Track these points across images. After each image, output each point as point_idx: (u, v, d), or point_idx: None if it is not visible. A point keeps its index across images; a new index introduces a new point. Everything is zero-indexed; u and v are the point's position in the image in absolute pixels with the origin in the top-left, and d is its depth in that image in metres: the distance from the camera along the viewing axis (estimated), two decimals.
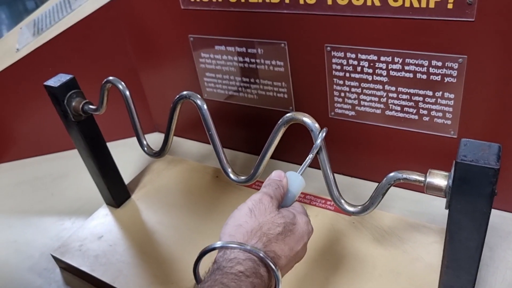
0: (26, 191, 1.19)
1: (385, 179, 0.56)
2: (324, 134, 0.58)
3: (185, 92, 0.69)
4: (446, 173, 0.53)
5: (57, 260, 0.91)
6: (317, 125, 0.59)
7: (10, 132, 1.27)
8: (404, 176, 0.54)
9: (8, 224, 1.08)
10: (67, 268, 0.91)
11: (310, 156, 0.59)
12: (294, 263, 0.55)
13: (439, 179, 0.52)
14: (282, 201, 0.57)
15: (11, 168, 1.29)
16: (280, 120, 0.61)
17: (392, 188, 0.98)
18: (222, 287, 0.45)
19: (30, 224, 1.07)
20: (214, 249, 0.50)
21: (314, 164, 1.03)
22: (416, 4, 0.72)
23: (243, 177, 0.67)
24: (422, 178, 0.53)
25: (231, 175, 0.68)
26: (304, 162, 0.60)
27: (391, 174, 0.56)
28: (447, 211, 0.91)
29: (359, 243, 0.81)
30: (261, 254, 0.48)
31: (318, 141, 0.58)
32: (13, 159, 1.30)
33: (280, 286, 0.50)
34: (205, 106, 0.67)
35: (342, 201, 0.59)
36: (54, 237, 1.01)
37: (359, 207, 0.59)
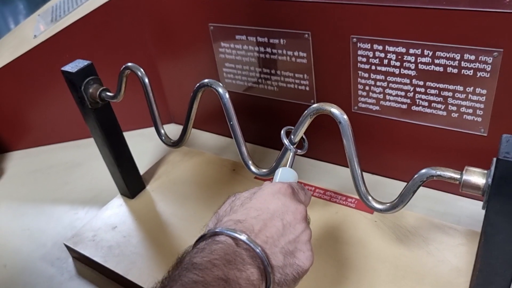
0: (40, 179, 1.18)
1: (416, 175, 0.53)
2: (292, 154, 0.60)
3: (206, 80, 0.67)
4: (485, 171, 0.49)
5: (70, 249, 0.89)
6: (345, 116, 0.56)
7: (26, 119, 1.26)
8: (438, 173, 0.51)
9: (22, 212, 1.07)
10: (79, 258, 0.89)
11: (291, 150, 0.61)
12: (288, 219, 0.48)
13: (477, 177, 0.49)
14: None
15: (26, 156, 1.28)
16: (306, 110, 0.58)
17: None
18: (180, 266, 0.42)
19: (44, 212, 1.05)
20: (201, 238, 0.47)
21: (338, 161, 1.01)
22: None
23: (264, 170, 0.64)
24: (457, 176, 0.50)
25: (252, 168, 0.65)
26: (290, 159, 0.61)
27: (424, 170, 0.53)
28: (473, 212, 0.88)
29: (381, 243, 0.78)
30: (203, 232, 0.46)
31: (292, 158, 0.60)
32: (28, 147, 1.30)
33: (244, 238, 0.44)
34: (227, 95, 0.64)
35: (370, 197, 0.57)
36: (68, 226, 0.99)
37: (388, 204, 0.56)
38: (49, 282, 0.86)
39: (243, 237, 0.44)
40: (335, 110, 0.55)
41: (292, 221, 0.48)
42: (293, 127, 0.60)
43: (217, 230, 0.45)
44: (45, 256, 0.92)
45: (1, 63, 1.17)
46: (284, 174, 0.57)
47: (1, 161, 1.26)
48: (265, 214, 0.48)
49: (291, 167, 0.59)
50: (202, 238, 0.46)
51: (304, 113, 0.58)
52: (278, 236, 0.47)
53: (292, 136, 0.61)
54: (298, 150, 0.61)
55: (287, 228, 0.48)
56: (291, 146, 0.60)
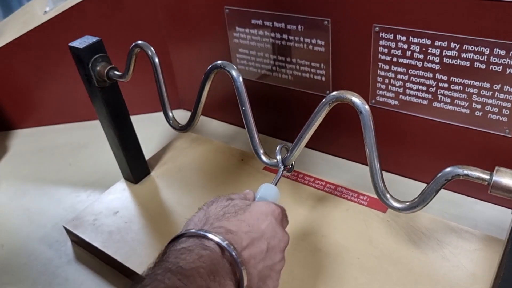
0: (44, 159, 1.15)
1: (440, 173, 0.49)
2: (281, 172, 0.60)
3: (219, 62, 0.63)
4: None
5: (69, 232, 0.87)
6: (367, 106, 0.52)
7: (33, 97, 1.23)
8: (466, 172, 0.47)
9: (23, 191, 1.04)
10: (79, 242, 0.86)
11: (281, 169, 0.61)
12: (273, 244, 0.49)
13: (509, 179, 0.45)
14: None
15: (31, 134, 1.25)
16: (325, 98, 0.54)
17: None
18: (166, 265, 0.42)
19: (45, 193, 1.03)
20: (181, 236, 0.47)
21: (350, 156, 0.98)
22: None
23: (275, 160, 0.60)
24: (487, 176, 0.46)
25: (263, 157, 0.61)
26: (276, 175, 0.60)
27: (449, 168, 0.49)
28: (490, 217, 0.84)
29: (393, 244, 0.74)
30: (195, 231, 0.45)
31: (279, 176, 0.60)
32: (33, 125, 1.27)
33: (234, 253, 0.44)
34: (240, 79, 0.60)
35: (388, 195, 0.53)
36: (69, 208, 0.97)
37: (407, 203, 0.52)
38: (46, 265, 0.84)
39: (232, 252, 0.44)
40: (356, 99, 0.51)
41: (275, 247, 0.49)
42: (291, 144, 0.60)
43: (209, 235, 0.45)
44: (44, 237, 0.90)
45: (9, 38, 1.14)
46: (267, 190, 0.57)
47: (5, 138, 1.23)
48: (255, 232, 0.48)
49: (275, 185, 0.58)
50: (190, 234, 0.46)
51: (322, 102, 0.54)
52: (260, 258, 0.48)
53: (288, 154, 0.60)
54: (285, 172, 0.61)
55: (269, 253, 0.49)
56: (281, 165, 0.60)
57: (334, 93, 0.53)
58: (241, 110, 0.61)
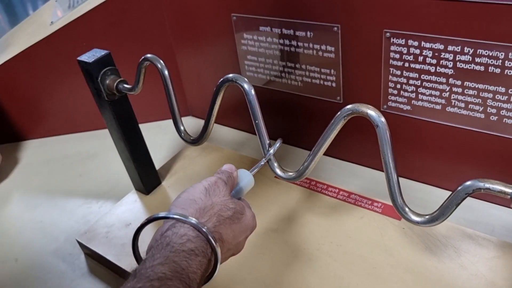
0: (54, 169, 1.15)
1: (461, 187, 0.48)
2: (278, 145, 0.63)
3: (230, 75, 0.62)
4: None
5: (82, 246, 0.86)
6: (383, 119, 0.51)
7: (41, 108, 1.23)
8: (487, 186, 0.46)
9: (35, 203, 1.04)
10: (92, 255, 0.86)
11: (263, 160, 0.63)
12: (231, 254, 0.55)
13: None
14: (232, 192, 0.58)
15: (41, 145, 1.25)
16: (340, 112, 0.54)
17: (444, 191, 0.90)
18: (174, 266, 0.44)
19: (57, 204, 1.03)
20: (166, 218, 0.50)
21: (363, 161, 0.96)
22: None
23: (291, 173, 0.60)
24: (509, 190, 0.45)
25: (277, 170, 0.61)
26: (256, 165, 0.62)
27: (469, 182, 0.48)
28: (507, 222, 0.83)
29: (409, 252, 0.73)
30: (210, 237, 0.48)
31: (271, 151, 0.62)
32: (43, 136, 1.27)
33: (217, 270, 0.49)
34: (252, 92, 0.60)
35: (407, 209, 0.52)
36: (80, 220, 0.97)
37: (427, 217, 0.51)
38: (60, 278, 0.84)
39: (218, 263, 0.49)
40: (372, 112, 0.51)
41: (233, 254, 0.55)
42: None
43: (212, 241, 0.48)
44: (57, 251, 0.90)
45: (17, 50, 1.14)
46: (241, 175, 0.60)
47: (16, 150, 1.24)
48: (233, 244, 0.54)
49: (252, 173, 0.61)
50: (196, 227, 0.48)
51: (336, 115, 0.54)
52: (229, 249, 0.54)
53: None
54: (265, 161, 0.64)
55: (236, 249, 0.55)
56: (265, 159, 0.63)
57: (349, 106, 0.52)
58: (254, 123, 0.61)
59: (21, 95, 1.21)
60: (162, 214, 0.50)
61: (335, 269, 0.73)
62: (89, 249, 0.84)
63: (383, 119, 0.51)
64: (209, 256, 0.48)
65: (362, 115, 0.51)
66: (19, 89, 1.20)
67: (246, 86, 0.60)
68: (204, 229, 0.48)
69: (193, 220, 0.48)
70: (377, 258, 0.73)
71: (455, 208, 0.49)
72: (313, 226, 0.81)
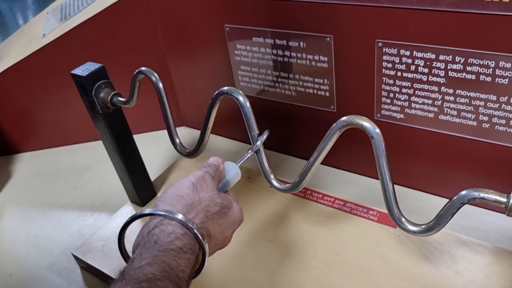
0: (47, 182, 1.14)
1: (456, 197, 0.49)
2: (265, 136, 0.62)
3: (225, 88, 0.63)
4: None
5: (78, 259, 0.86)
6: (378, 130, 0.52)
7: (34, 120, 1.22)
8: (481, 195, 0.47)
9: (29, 217, 1.03)
10: (88, 269, 0.86)
11: (249, 152, 0.62)
12: (218, 248, 0.55)
13: None
14: (219, 185, 0.58)
15: (34, 158, 1.24)
16: (335, 124, 0.54)
17: (439, 198, 0.91)
18: (163, 266, 0.44)
19: (51, 218, 1.02)
20: (153, 214, 0.49)
21: (357, 170, 0.97)
22: None
23: (288, 185, 0.60)
24: (503, 199, 0.46)
25: (274, 182, 0.61)
26: (243, 156, 0.62)
27: (464, 192, 0.48)
28: (501, 227, 0.83)
29: (406, 260, 0.74)
30: (198, 234, 0.48)
31: (258, 142, 0.62)
32: (36, 149, 1.26)
33: (205, 266, 0.49)
34: (247, 104, 0.60)
35: (403, 219, 0.52)
36: (75, 233, 0.96)
37: (423, 226, 0.52)
38: None
39: (206, 258, 0.49)
40: (367, 124, 0.51)
41: (220, 248, 0.56)
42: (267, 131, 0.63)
43: (200, 238, 0.48)
44: (52, 265, 0.89)
45: (9, 63, 1.14)
46: (228, 167, 0.60)
47: (9, 163, 1.23)
48: (220, 239, 0.54)
49: (238, 165, 0.61)
50: (184, 225, 0.48)
51: (332, 127, 0.54)
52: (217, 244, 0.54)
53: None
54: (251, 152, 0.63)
55: (223, 243, 0.56)
56: (252, 151, 0.63)
57: (344, 118, 0.53)
58: (250, 135, 0.61)
59: (13, 108, 1.20)
60: (148, 211, 0.49)
61: (332, 278, 0.73)
62: (85, 263, 0.84)
63: (378, 130, 0.51)
64: (197, 252, 0.48)
65: (357, 126, 0.52)
66: (11, 102, 1.19)
67: (241, 98, 0.60)
68: (192, 226, 0.48)
69: (181, 217, 0.48)
70: (374, 266, 0.74)
71: (451, 218, 0.50)
72: (309, 235, 0.81)
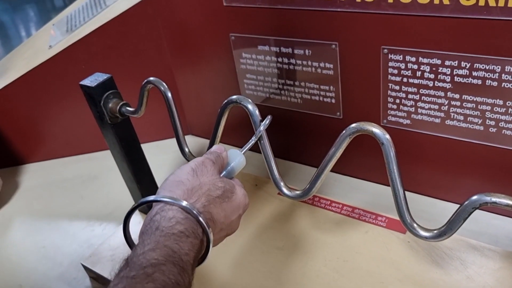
0: (55, 193, 1.15)
1: (467, 201, 0.49)
2: (268, 122, 0.62)
3: (234, 97, 0.63)
4: None
5: (87, 269, 0.86)
6: (388, 136, 0.52)
7: (41, 131, 1.23)
8: (493, 200, 0.47)
9: (37, 228, 1.04)
10: (97, 279, 0.86)
11: (253, 138, 0.62)
12: (226, 235, 0.55)
13: None
14: (222, 172, 0.58)
15: (41, 168, 1.25)
16: (344, 131, 0.54)
17: (446, 203, 0.91)
18: (166, 250, 0.44)
19: (59, 228, 1.02)
20: (154, 201, 0.50)
21: (364, 176, 0.97)
22: (492, 3, 0.65)
23: (298, 192, 0.60)
24: None
25: (284, 190, 0.61)
26: (247, 143, 0.62)
27: (475, 197, 0.48)
28: (510, 232, 0.83)
29: (416, 265, 0.74)
30: (200, 218, 0.48)
31: (261, 127, 0.61)
32: (42, 159, 1.27)
33: (210, 251, 0.49)
34: (257, 112, 0.61)
35: (415, 225, 0.52)
36: (84, 243, 0.96)
37: (435, 231, 0.52)
38: None
39: (210, 245, 0.49)
40: (377, 130, 0.51)
41: (227, 234, 0.56)
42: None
43: (203, 222, 0.48)
44: (61, 275, 0.89)
45: (16, 75, 1.15)
46: (232, 155, 0.60)
47: (16, 174, 1.23)
48: (225, 224, 0.53)
49: (243, 152, 0.61)
50: (185, 209, 0.48)
51: (341, 134, 0.54)
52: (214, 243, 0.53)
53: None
54: (255, 139, 0.63)
55: (229, 229, 0.55)
56: (256, 138, 0.62)
57: (354, 125, 0.53)
58: (259, 144, 0.61)
59: (20, 119, 1.21)
60: (149, 198, 0.50)
61: (343, 285, 0.73)
62: (95, 273, 0.84)
63: (388, 136, 0.52)
64: (201, 237, 0.48)
65: (367, 133, 0.52)
66: (18, 113, 1.20)
67: (250, 107, 0.61)
68: (191, 209, 0.48)
69: (181, 202, 0.48)
70: (384, 272, 0.74)
71: (463, 222, 0.50)
72: (319, 242, 0.81)
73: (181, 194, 0.50)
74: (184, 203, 0.48)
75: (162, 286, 0.41)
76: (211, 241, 0.49)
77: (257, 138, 0.62)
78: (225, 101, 0.64)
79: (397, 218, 0.71)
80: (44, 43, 1.25)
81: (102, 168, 1.18)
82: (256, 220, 0.88)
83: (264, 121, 0.62)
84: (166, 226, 0.46)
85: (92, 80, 0.77)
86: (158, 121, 1.08)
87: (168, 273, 0.42)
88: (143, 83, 0.73)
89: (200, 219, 0.48)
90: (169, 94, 0.71)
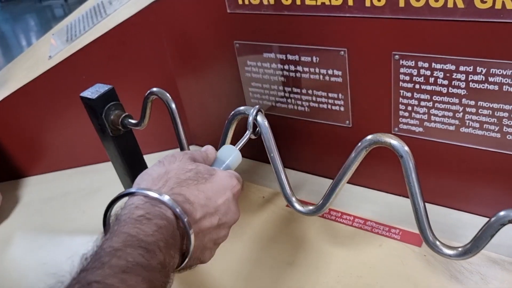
0: (56, 207, 1.12)
1: (494, 218, 0.46)
2: (255, 111, 0.59)
3: (242, 108, 0.61)
4: None
5: None
6: (406, 148, 0.49)
7: (41, 143, 1.20)
8: None
9: (38, 244, 1.00)
10: None
11: (247, 133, 0.61)
12: (221, 222, 0.51)
13: None
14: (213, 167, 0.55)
15: (41, 182, 1.22)
16: (360, 142, 0.51)
17: (460, 213, 0.88)
18: (124, 236, 0.42)
19: (60, 244, 0.99)
20: (119, 197, 0.49)
21: (376, 186, 0.94)
22: (510, 6, 0.62)
23: (311, 207, 0.57)
24: None
25: (296, 205, 0.58)
26: (242, 138, 0.61)
27: (503, 212, 0.45)
28: None
29: (434, 281, 0.71)
30: (162, 198, 0.45)
31: (250, 119, 0.60)
32: (43, 172, 1.24)
33: (188, 228, 0.46)
34: (266, 123, 0.58)
35: (438, 242, 0.49)
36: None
37: (460, 249, 0.49)
38: None
39: (187, 226, 0.46)
40: (395, 142, 0.49)
41: (225, 223, 0.51)
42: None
43: (169, 203, 0.45)
44: None
45: (16, 85, 1.12)
46: (229, 152, 0.58)
47: (16, 188, 1.20)
48: (210, 207, 0.50)
49: (238, 148, 0.59)
50: (148, 196, 0.46)
51: (357, 146, 0.51)
52: (208, 232, 0.49)
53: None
54: (253, 136, 0.61)
55: (218, 228, 0.51)
56: (250, 132, 0.61)
57: (370, 136, 0.50)
58: (269, 157, 0.58)
59: (20, 131, 1.18)
60: (116, 197, 0.50)
61: None
62: None
63: (407, 148, 0.49)
64: (171, 219, 0.46)
65: (384, 145, 0.49)
66: (18, 125, 1.18)
67: (259, 118, 0.58)
68: (143, 191, 0.46)
69: (143, 190, 0.46)
70: None
71: (490, 239, 0.47)
72: (331, 257, 0.78)
73: (146, 184, 0.49)
74: (140, 189, 0.47)
75: (121, 270, 0.39)
76: (184, 220, 0.46)
77: (251, 131, 0.60)
78: (233, 112, 0.62)
79: (412, 230, 0.69)
80: (44, 53, 1.22)
81: (104, 181, 1.15)
82: (264, 233, 0.85)
83: (252, 110, 0.60)
84: (124, 214, 0.45)
85: (93, 92, 0.74)
86: (161, 132, 1.05)
87: (126, 256, 0.41)
88: (146, 94, 0.71)
89: (163, 198, 0.45)
90: (173, 105, 0.68)
